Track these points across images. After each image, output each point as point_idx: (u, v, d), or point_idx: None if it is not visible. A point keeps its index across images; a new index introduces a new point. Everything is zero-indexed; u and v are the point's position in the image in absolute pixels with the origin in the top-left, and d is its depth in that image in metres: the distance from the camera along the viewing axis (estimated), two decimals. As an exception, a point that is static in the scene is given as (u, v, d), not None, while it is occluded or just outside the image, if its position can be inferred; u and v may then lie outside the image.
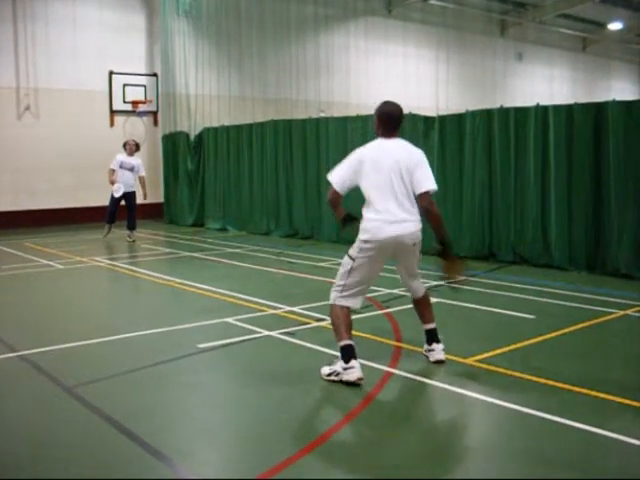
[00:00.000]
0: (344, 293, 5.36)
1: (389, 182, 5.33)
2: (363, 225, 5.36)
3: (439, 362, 5.50)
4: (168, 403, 4.70)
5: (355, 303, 5.40)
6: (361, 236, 5.33)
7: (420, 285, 5.68)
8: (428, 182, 5.34)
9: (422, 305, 5.67)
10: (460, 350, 5.71)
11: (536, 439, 4.01)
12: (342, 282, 5.38)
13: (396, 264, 5.59)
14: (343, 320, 5.30)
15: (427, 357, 5.59)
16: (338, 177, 5.53)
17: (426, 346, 5.63)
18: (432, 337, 5.60)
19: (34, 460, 3.84)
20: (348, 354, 5.11)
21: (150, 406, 4.65)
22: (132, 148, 14.12)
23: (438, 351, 5.55)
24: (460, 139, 10.98)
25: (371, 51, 22.74)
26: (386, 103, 5.60)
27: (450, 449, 3.99)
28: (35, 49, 16.61)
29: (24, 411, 4.62)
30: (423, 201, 5.35)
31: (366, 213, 5.38)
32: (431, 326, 5.62)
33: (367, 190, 5.41)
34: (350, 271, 5.36)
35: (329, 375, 5.15)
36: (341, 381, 5.02)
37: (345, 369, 5.05)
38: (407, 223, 5.30)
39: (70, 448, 3.99)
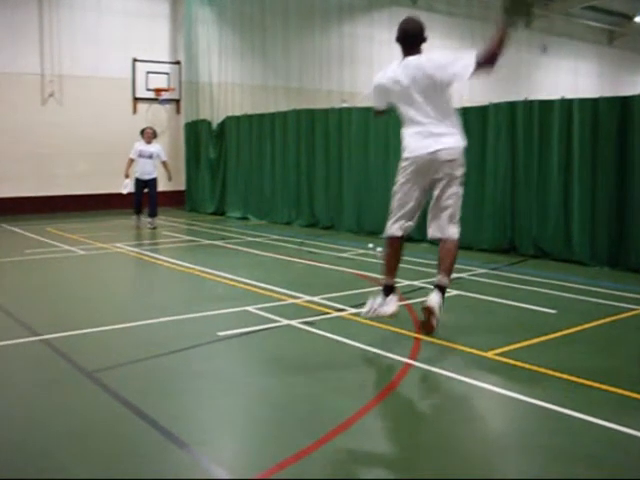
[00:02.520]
0: (390, 220, 5.62)
1: (414, 96, 5.43)
2: (403, 143, 5.54)
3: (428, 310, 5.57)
4: (188, 390, 4.72)
5: (397, 229, 5.60)
6: (402, 154, 5.56)
7: (452, 229, 5.59)
8: (467, 66, 5.28)
9: (443, 249, 5.62)
10: (480, 343, 5.68)
11: (555, 435, 3.98)
12: (390, 208, 5.68)
13: (430, 202, 5.63)
14: (389, 258, 5.66)
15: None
16: (374, 104, 5.95)
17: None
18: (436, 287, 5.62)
19: (55, 444, 3.87)
20: (386, 292, 5.58)
21: (170, 393, 4.67)
22: (150, 135, 14.18)
23: (431, 296, 5.60)
24: (483, 131, 10.91)
25: (395, 42, 22.53)
26: (403, 20, 5.72)
27: (468, 443, 3.97)
28: (60, 36, 16.68)
29: (45, 395, 4.66)
30: (485, 60, 5.25)
31: (403, 130, 5.52)
32: (439, 280, 5.61)
33: (399, 109, 5.57)
34: (395, 193, 5.62)
35: (367, 312, 5.68)
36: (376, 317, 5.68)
37: (381, 305, 5.54)
38: (444, 137, 5.34)
39: (90, 434, 4.01)
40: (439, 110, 5.36)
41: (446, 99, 5.45)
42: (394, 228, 5.63)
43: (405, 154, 5.51)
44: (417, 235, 5.62)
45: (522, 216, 10.38)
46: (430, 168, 5.40)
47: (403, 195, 5.54)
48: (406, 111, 5.48)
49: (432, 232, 5.69)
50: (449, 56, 5.49)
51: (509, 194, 10.55)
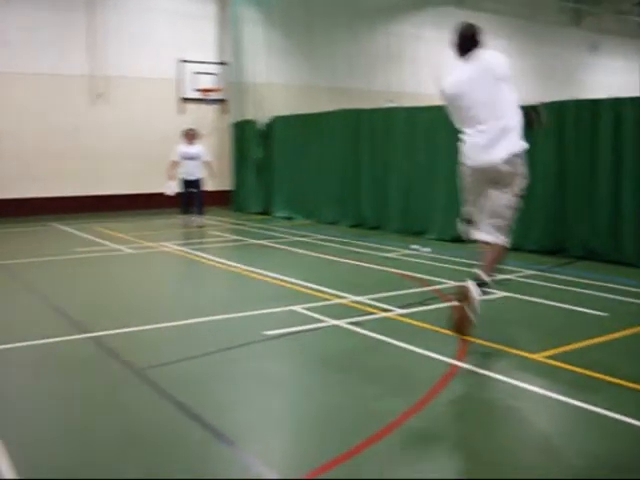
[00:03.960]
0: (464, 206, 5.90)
1: (472, 96, 5.45)
2: (462, 147, 5.65)
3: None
4: (235, 389, 4.76)
5: (467, 211, 5.86)
6: (461, 159, 5.67)
7: (501, 237, 5.57)
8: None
9: (487, 250, 5.57)
10: (529, 345, 5.62)
11: (605, 440, 3.92)
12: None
13: (486, 204, 5.65)
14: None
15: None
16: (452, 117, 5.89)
17: None
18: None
19: (101, 441, 3.92)
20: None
21: (217, 391, 4.71)
22: (191, 136, 14.30)
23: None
24: (531, 131, 10.75)
25: (442, 41, 22.38)
26: (458, 25, 5.77)
27: (514, 447, 3.93)
28: (107, 37, 16.91)
29: (93, 392, 4.72)
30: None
31: (462, 135, 5.59)
32: (476, 271, 5.41)
33: (458, 111, 5.60)
34: (462, 191, 5.84)
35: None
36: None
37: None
38: (502, 145, 5.37)
39: (136, 431, 4.07)
40: (499, 108, 5.34)
41: (506, 95, 5.42)
42: (467, 211, 5.86)
43: (463, 160, 5.55)
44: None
45: (571, 217, 10.23)
46: (487, 176, 5.41)
47: (468, 194, 5.72)
48: (465, 112, 5.49)
49: (481, 235, 5.65)
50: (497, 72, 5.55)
51: (558, 195, 10.39)
